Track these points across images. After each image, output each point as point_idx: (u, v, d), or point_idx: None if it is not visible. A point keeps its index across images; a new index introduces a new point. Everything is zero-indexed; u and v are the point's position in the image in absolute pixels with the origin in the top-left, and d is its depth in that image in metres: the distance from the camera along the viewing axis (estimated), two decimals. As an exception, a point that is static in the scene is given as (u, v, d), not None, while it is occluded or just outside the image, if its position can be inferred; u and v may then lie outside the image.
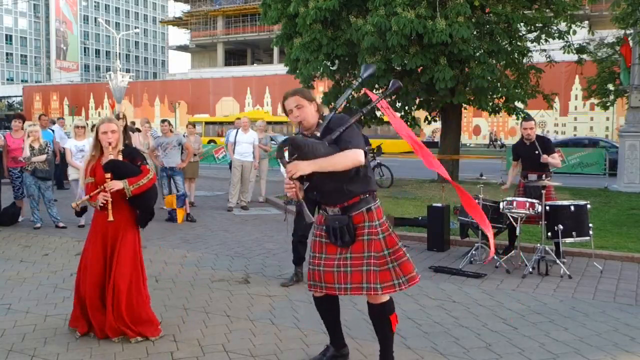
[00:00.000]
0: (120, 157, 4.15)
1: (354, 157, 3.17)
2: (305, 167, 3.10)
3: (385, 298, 3.38)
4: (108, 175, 4.03)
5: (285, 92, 3.50)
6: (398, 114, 15.88)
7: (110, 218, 4.03)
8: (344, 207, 3.33)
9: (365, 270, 3.27)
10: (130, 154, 4.23)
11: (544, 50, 15.26)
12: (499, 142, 40.28)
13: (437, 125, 20.10)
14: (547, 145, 6.72)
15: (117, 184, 4.01)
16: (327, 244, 3.40)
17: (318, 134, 3.26)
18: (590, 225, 6.27)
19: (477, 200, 6.54)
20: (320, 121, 3.38)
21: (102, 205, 4.05)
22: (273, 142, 14.08)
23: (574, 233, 6.17)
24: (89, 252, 4.20)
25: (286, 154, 3.19)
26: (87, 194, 4.12)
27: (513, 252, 6.56)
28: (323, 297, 3.55)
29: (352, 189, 3.31)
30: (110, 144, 4.09)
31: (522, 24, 14.17)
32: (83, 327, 4.17)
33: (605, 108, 26.39)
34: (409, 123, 16.27)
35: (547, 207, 6.18)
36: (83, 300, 4.17)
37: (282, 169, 5.60)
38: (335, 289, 3.35)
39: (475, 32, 13.39)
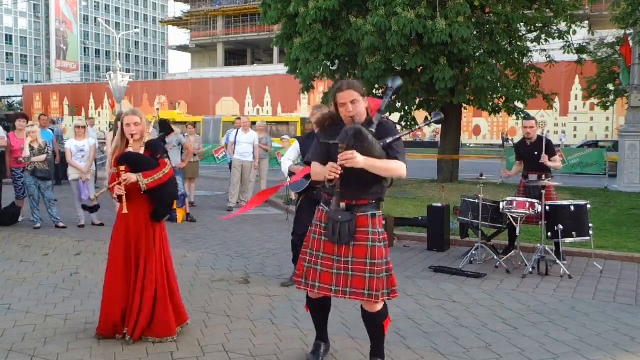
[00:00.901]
0: (142, 150, 4.12)
1: (400, 169, 3.22)
2: (361, 161, 3.09)
3: (381, 306, 3.38)
4: (122, 167, 4.03)
5: (337, 82, 3.44)
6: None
7: (125, 211, 4.03)
8: (351, 204, 3.30)
9: (368, 277, 3.26)
10: (153, 147, 4.19)
11: (544, 50, 15.26)
12: (510, 142, 39.81)
13: (437, 125, 20.08)
14: (548, 147, 6.72)
15: (132, 177, 3.99)
16: (326, 242, 3.37)
17: (373, 130, 3.19)
18: (590, 225, 6.27)
19: (477, 200, 6.55)
20: (373, 120, 3.29)
21: (117, 197, 4.06)
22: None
23: (574, 233, 6.17)
24: (114, 250, 4.15)
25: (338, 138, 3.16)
26: (110, 184, 4.13)
27: (513, 252, 6.56)
28: (319, 299, 3.54)
29: (368, 191, 3.31)
30: (132, 136, 4.09)
31: (522, 24, 14.17)
32: (121, 330, 4.09)
33: (605, 108, 26.38)
34: (409, 123, 16.28)
35: (547, 207, 6.18)
36: (119, 301, 4.08)
37: (283, 168, 5.60)
38: (331, 291, 3.34)
39: (475, 32, 13.39)
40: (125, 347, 3.96)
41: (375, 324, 3.45)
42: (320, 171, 3.29)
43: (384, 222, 3.50)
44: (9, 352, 3.90)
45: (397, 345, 4.05)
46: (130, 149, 4.13)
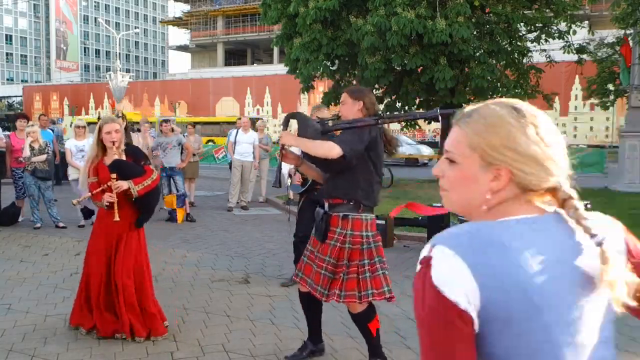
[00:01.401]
0: (123, 156, 4.14)
1: (327, 147, 3.23)
2: (289, 139, 3.37)
3: (361, 308, 3.42)
4: (113, 175, 4.04)
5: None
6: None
7: (117, 218, 4.04)
8: (330, 203, 3.46)
9: (324, 274, 3.38)
10: (134, 153, 4.24)
11: (544, 50, 15.26)
12: None
13: (437, 125, 20.09)
14: None
15: (123, 185, 4.02)
16: (314, 237, 3.53)
17: (329, 123, 3.47)
18: (591, 225, 6.25)
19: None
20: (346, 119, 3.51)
21: (107, 205, 4.06)
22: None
23: (574, 233, 6.16)
24: (93, 252, 4.20)
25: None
26: (90, 192, 4.14)
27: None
28: (305, 292, 3.61)
29: (337, 188, 3.42)
30: (114, 143, 4.10)
31: (522, 24, 14.18)
32: (89, 322, 4.18)
33: (605, 108, 26.37)
34: (409, 123, 16.29)
35: (547, 207, 6.17)
36: (89, 299, 4.17)
37: (284, 169, 5.61)
38: (303, 279, 3.51)
39: (475, 32, 13.40)
40: (125, 347, 3.96)
41: (358, 324, 3.53)
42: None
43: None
44: (9, 352, 3.90)
45: (397, 345, 4.05)
46: (114, 156, 4.13)
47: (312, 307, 3.71)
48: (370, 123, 3.31)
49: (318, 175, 3.61)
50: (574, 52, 15.52)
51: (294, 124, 3.55)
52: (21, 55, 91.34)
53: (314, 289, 3.42)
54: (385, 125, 3.59)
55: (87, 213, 4.67)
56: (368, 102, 3.47)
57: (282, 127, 3.49)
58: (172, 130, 10.13)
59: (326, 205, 3.47)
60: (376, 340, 3.53)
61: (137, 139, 9.93)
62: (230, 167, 11.42)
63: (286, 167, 5.60)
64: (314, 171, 3.61)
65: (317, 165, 3.48)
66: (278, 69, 44.27)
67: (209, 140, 27.50)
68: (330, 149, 3.20)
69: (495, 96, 14.81)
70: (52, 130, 12.43)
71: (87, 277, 4.22)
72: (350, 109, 3.46)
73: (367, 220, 3.41)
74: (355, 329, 4.30)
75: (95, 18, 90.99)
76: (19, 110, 53.11)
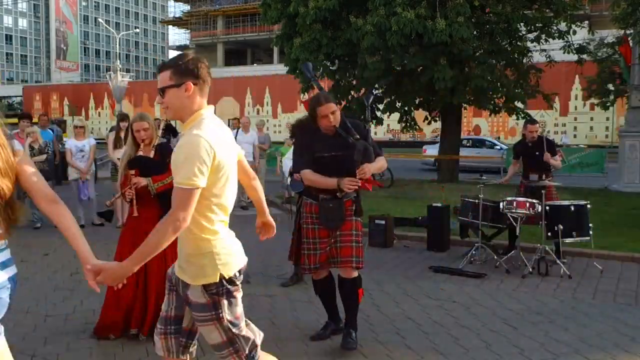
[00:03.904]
0: (152, 153, 4.23)
1: (385, 162, 3.96)
2: (371, 169, 3.71)
3: (357, 273, 3.85)
4: (132, 171, 4.11)
5: (317, 95, 3.83)
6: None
7: (135, 214, 4.15)
8: (341, 194, 3.78)
9: (354, 246, 3.78)
10: (162, 151, 4.28)
11: (544, 50, 15.25)
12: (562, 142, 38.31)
13: (437, 125, 20.09)
14: (550, 146, 6.73)
15: (141, 181, 4.09)
16: (320, 229, 3.86)
17: (357, 136, 3.69)
18: (590, 225, 6.26)
19: (477, 200, 6.55)
20: (347, 124, 3.80)
21: (129, 201, 4.17)
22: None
23: (574, 233, 6.17)
24: (122, 250, 4.21)
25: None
26: (122, 189, 4.23)
27: (513, 252, 6.55)
28: (322, 279, 4.02)
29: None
30: (143, 141, 4.19)
31: (522, 24, 14.17)
32: (118, 330, 4.13)
33: (605, 108, 26.40)
34: (408, 123, 16.28)
35: (547, 207, 6.18)
36: (119, 300, 4.12)
37: (284, 168, 5.61)
38: (358, 262, 3.81)
39: (475, 32, 13.40)
40: (125, 347, 3.96)
41: (353, 290, 3.87)
42: (323, 182, 3.75)
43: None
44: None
45: (397, 345, 4.05)
46: (140, 153, 4.23)
47: (327, 292, 4.11)
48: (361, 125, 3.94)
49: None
50: (574, 52, 15.52)
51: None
52: (21, 55, 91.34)
53: (348, 262, 3.77)
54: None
55: (106, 214, 4.72)
56: None
57: (357, 157, 3.66)
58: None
59: (328, 196, 3.79)
60: (357, 306, 3.95)
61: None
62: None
63: (287, 166, 5.60)
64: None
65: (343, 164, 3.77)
66: (278, 69, 44.24)
67: None
68: (386, 162, 3.98)
69: (495, 96, 14.82)
70: (52, 130, 12.42)
71: None
72: (339, 115, 3.78)
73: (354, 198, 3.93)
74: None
75: (95, 18, 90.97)
76: (19, 111, 53.10)
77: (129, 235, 4.22)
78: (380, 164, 3.86)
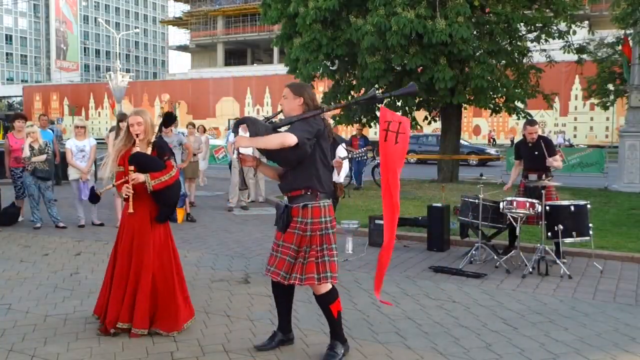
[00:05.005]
0: (149, 149, 4.23)
1: (281, 138, 3.46)
2: (244, 142, 3.55)
3: (326, 289, 3.68)
4: (131, 167, 4.11)
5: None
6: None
7: (131, 210, 4.14)
8: (289, 196, 3.72)
9: (289, 261, 3.65)
10: (160, 147, 4.29)
11: (544, 50, 15.26)
12: (567, 142, 37.85)
13: (437, 125, 20.09)
14: (549, 146, 6.73)
15: (140, 177, 4.09)
16: (287, 232, 3.70)
17: (276, 121, 3.70)
18: (590, 225, 6.26)
19: (477, 200, 6.55)
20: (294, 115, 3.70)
21: (126, 197, 4.16)
22: None
23: (574, 233, 6.16)
24: (117, 244, 4.30)
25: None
26: (116, 182, 4.23)
27: (513, 252, 6.56)
28: (277, 282, 3.77)
29: (296, 180, 3.66)
30: (137, 135, 4.19)
31: (522, 24, 14.18)
32: (100, 314, 4.31)
33: (605, 108, 26.38)
34: (409, 123, 16.25)
35: (547, 207, 6.18)
36: (109, 290, 4.24)
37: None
38: (268, 270, 3.71)
39: (475, 32, 13.40)
40: (126, 347, 3.96)
41: (321, 305, 3.75)
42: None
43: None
44: (9, 352, 3.90)
45: (397, 345, 4.05)
46: (137, 149, 4.22)
47: (283, 298, 3.91)
48: (315, 113, 3.61)
49: (275, 174, 3.83)
50: (574, 52, 15.52)
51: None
52: (21, 55, 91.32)
53: (277, 274, 3.66)
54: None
55: (94, 197, 4.68)
56: (307, 98, 3.69)
57: (231, 133, 3.63)
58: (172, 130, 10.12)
59: (285, 199, 3.74)
60: (338, 321, 3.76)
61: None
62: (230, 167, 11.42)
63: None
64: (271, 170, 3.89)
65: (277, 161, 3.66)
66: (278, 69, 44.26)
67: None
68: (285, 138, 3.45)
69: (495, 96, 14.81)
70: (52, 130, 12.43)
71: (110, 268, 4.32)
72: (290, 103, 3.69)
73: (325, 207, 3.70)
74: (355, 329, 4.32)
75: (95, 18, 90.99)
76: (19, 110, 53.11)
77: (124, 233, 4.24)
78: (266, 138, 3.48)
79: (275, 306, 4.01)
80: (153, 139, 4.28)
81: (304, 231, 3.64)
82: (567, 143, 34.78)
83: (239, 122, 3.76)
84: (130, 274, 4.16)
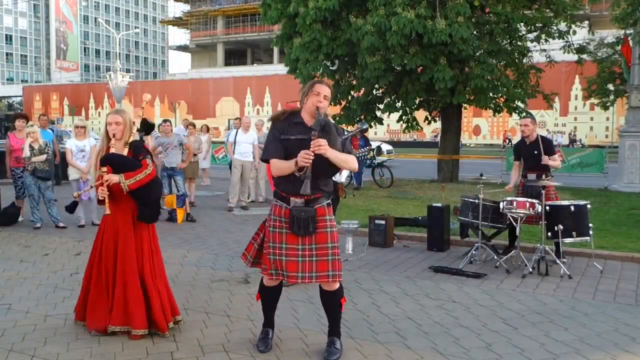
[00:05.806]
0: (125, 150, 4.16)
1: (354, 163, 3.69)
2: (329, 151, 3.47)
3: (338, 285, 3.75)
4: (104, 168, 4.05)
5: (314, 79, 3.92)
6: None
7: (107, 212, 4.07)
8: (309, 199, 3.62)
9: (330, 260, 3.65)
10: (136, 147, 4.21)
11: (544, 50, 15.26)
12: (579, 143, 37.59)
13: (437, 125, 20.10)
14: (548, 145, 6.72)
15: (113, 178, 4.01)
16: (288, 234, 3.67)
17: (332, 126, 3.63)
18: (590, 225, 6.26)
19: (477, 200, 6.55)
20: (328, 119, 3.69)
21: (101, 198, 4.10)
22: None
23: (574, 233, 6.16)
24: (95, 247, 4.26)
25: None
26: (95, 183, 4.17)
27: (513, 252, 6.56)
28: (274, 287, 3.87)
29: (323, 184, 3.69)
30: (114, 135, 4.12)
31: (522, 24, 14.18)
32: (79, 313, 4.33)
33: (605, 108, 26.40)
34: (409, 123, 16.28)
35: (547, 207, 6.18)
36: (87, 292, 4.24)
37: None
38: (298, 277, 3.65)
39: (475, 32, 13.40)
40: (125, 347, 3.96)
41: (334, 301, 3.78)
42: (286, 166, 3.56)
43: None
44: (9, 352, 3.90)
45: (397, 345, 4.05)
46: (113, 150, 4.15)
47: (276, 297, 3.98)
48: (353, 134, 3.92)
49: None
50: (574, 52, 15.52)
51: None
52: (21, 55, 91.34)
53: (324, 276, 3.64)
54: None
55: (71, 207, 4.65)
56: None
57: (316, 132, 3.44)
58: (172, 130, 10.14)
59: (299, 201, 3.62)
60: (340, 317, 3.87)
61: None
62: (230, 167, 11.42)
63: None
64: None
65: (322, 169, 3.56)
66: (278, 69, 44.27)
67: None
68: (355, 164, 3.74)
69: (495, 96, 14.81)
70: (52, 130, 12.43)
71: (88, 271, 4.29)
72: (327, 106, 3.73)
73: (330, 206, 3.83)
74: (354, 329, 4.31)
75: (95, 18, 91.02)
76: (19, 110, 53.09)
77: (102, 235, 4.19)
78: (344, 156, 3.58)
79: (267, 307, 4.01)
80: (131, 139, 4.19)
81: (333, 227, 3.73)
82: (565, 143, 34.88)
83: (324, 123, 3.52)
84: (116, 277, 4.11)
